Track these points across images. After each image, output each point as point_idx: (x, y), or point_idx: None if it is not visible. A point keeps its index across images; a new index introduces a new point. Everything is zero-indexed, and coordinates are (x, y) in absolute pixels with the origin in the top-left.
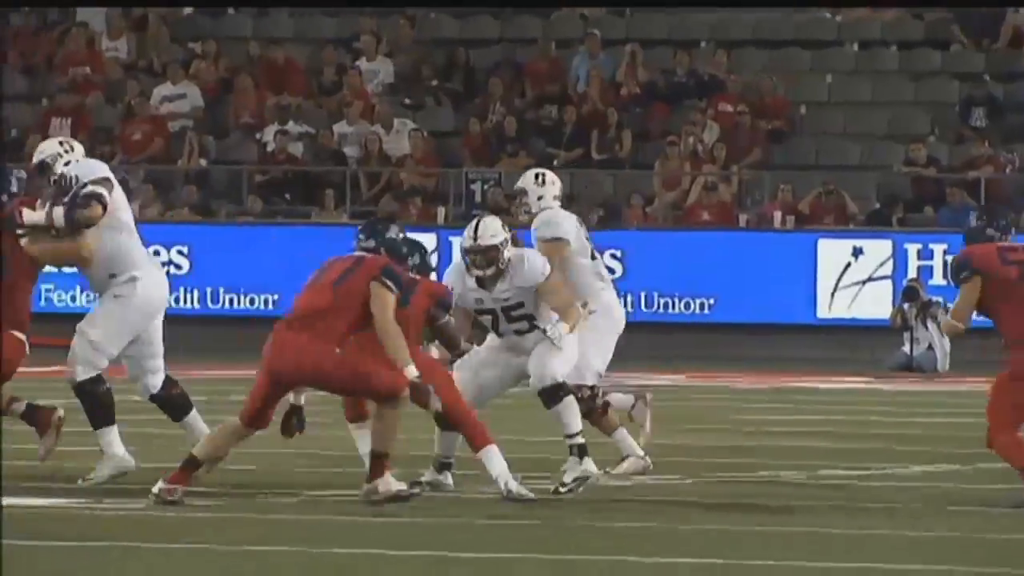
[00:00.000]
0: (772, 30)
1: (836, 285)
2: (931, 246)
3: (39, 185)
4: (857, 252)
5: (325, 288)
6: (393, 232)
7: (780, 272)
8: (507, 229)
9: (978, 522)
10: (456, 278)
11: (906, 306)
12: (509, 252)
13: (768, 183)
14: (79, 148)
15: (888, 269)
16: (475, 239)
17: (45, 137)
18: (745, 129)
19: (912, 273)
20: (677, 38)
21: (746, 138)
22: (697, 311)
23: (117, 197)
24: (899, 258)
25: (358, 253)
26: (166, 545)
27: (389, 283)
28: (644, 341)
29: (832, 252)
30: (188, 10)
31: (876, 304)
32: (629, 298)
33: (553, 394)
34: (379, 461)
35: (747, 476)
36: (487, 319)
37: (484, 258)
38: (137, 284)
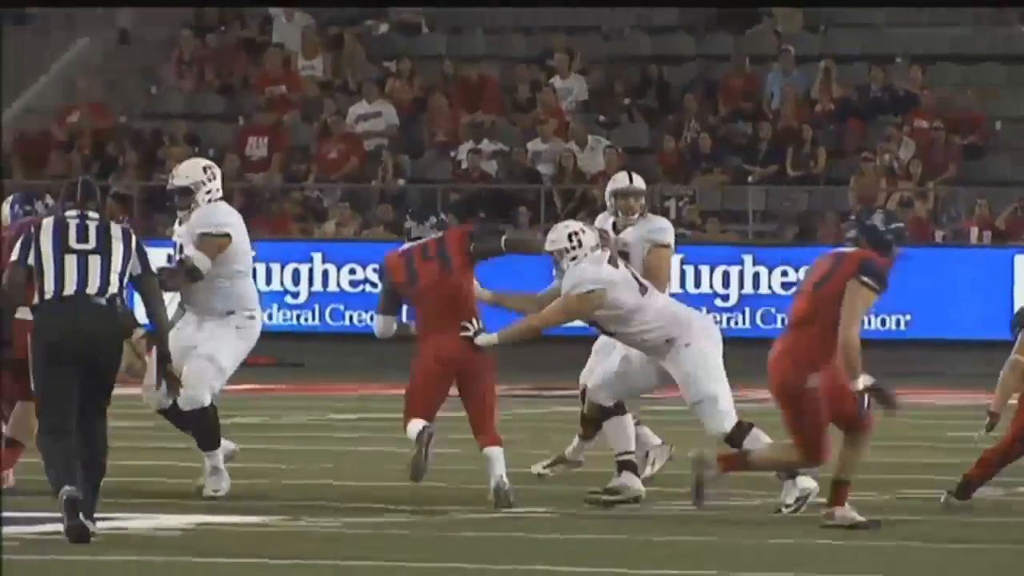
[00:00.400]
0: (967, 45)
1: None
2: None
3: (178, 206)
4: None
5: (806, 292)
6: (877, 220)
7: (977, 288)
8: None
9: None
10: None
11: None
12: None
13: (964, 199)
14: (219, 176)
15: None
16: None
17: (243, 156)
18: (940, 145)
19: None
20: (872, 53)
21: (941, 154)
22: (893, 327)
23: (241, 241)
24: None
25: (842, 249)
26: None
27: (868, 280)
28: None
29: None
30: (383, 28)
31: None
32: None
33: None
34: (842, 488)
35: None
36: None
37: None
38: (255, 323)
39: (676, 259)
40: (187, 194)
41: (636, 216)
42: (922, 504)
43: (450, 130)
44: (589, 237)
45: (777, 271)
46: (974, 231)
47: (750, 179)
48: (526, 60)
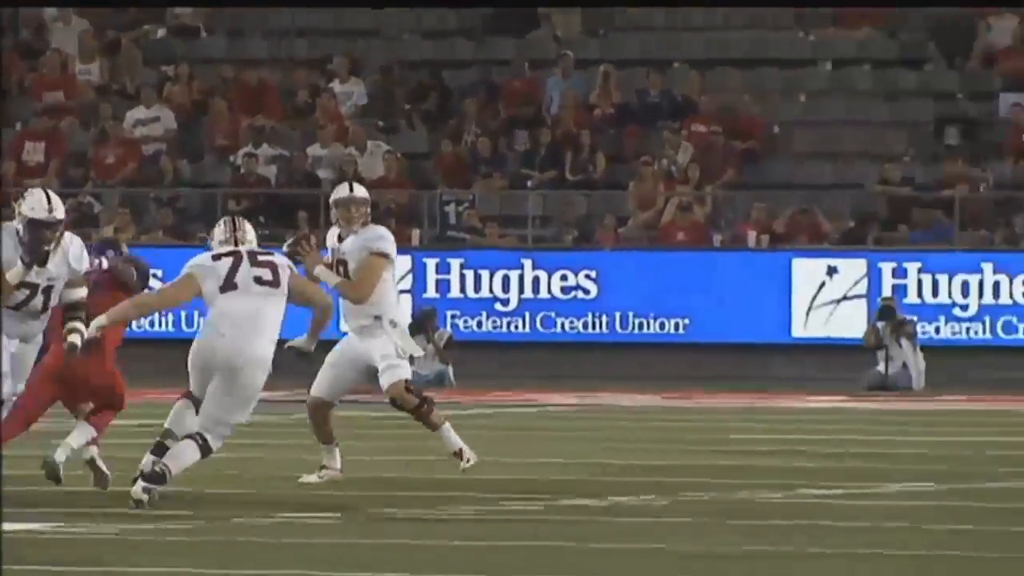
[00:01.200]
0: (745, 50)
1: (811, 304)
2: (905, 265)
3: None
4: (832, 271)
5: None
6: None
7: (754, 291)
8: None
9: (955, 539)
10: None
11: (880, 325)
12: None
13: (742, 203)
14: None
15: (863, 288)
16: None
17: (19, 162)
18: (719, 149)
19: (887, 291)
20: (650, 58)
21: (720, 158)
22: (672, 331)
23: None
24: (873, 277)
25: None
26: (142, 569)
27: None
28: (619, 361)
29: (807, 271)
30: (161, 32)
31: (851, 323)
32: (604, 318)
33: None
34: None
35: (724, 496)
36: None
37: None
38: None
39: (456, 263)
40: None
41: (357, 225)
42: (701, 506)
43: (230, 134)
44: (217, 231)
45: (556, 275)
46: (752, 235)
47: (529, 184)
48: (306, 64)
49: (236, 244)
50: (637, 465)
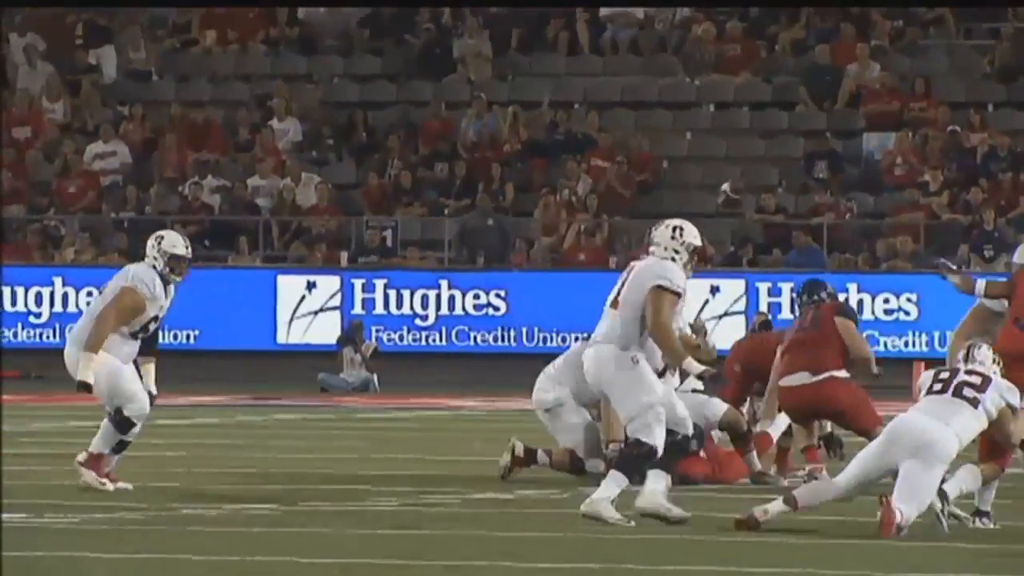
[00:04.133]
0: (638, 92)
1: (696, 319)
2: (780, 284)
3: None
4: (715, 290)
5: None
6: None
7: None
8: None
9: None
10: None
11: None
12: None
13: (636, 229)
14: None
15: (742, 305)
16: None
17: None
18: (615, 181)
19: (763, 307)
20: (554, 100)
21: (615, 189)
22: (573, 344)
23: None
24: (751, 295)
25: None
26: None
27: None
28: (525, 371)
29: (692, 290)
30: (114, 76)
31: (725, 336)
32: (512, 332)
33: None
34: None
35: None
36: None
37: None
38: None
39: (380, 283)
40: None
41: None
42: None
43: (178, 167)
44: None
45: (470, 294)
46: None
47: (446, 211)
48: (246, 104)
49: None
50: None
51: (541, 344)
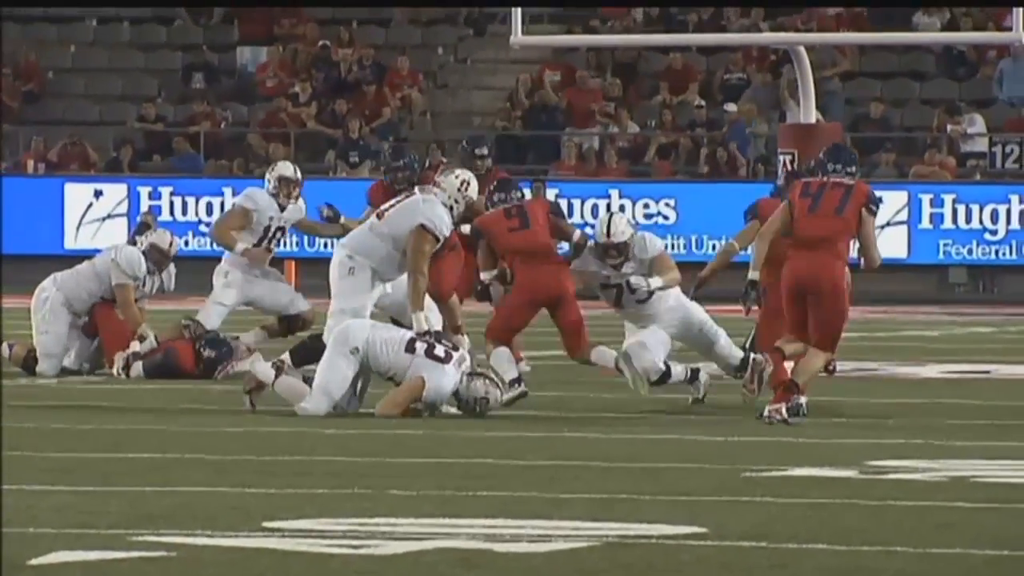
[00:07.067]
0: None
1: (80, 221)
2: (159, 188)
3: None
4: (98, 194)
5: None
6: None
7: (31, 211)
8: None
9: None
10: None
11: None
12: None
13: (23, 136)
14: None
15: (124, 208)
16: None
17: None
18: (4, 92)
19: (144, 209)
20: None
21: (3, 100)
22: None
23: None
24: (133, 198)
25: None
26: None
27: None
28: None
29: (76, 194)
30: None
31: (111, 236)
32: None
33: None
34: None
35: None
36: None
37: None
38: None
39: None
40: None
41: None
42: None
43: None
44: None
45: None
46: (31, 163)
47: None
48: None
49: None
50: None
51: None
